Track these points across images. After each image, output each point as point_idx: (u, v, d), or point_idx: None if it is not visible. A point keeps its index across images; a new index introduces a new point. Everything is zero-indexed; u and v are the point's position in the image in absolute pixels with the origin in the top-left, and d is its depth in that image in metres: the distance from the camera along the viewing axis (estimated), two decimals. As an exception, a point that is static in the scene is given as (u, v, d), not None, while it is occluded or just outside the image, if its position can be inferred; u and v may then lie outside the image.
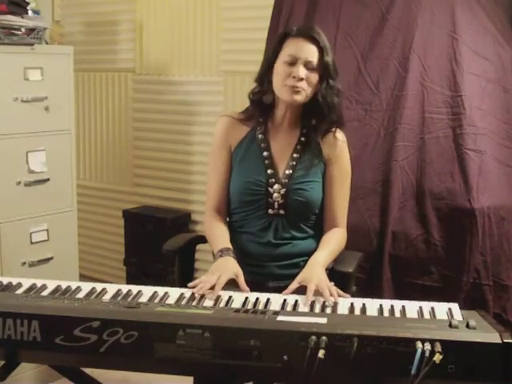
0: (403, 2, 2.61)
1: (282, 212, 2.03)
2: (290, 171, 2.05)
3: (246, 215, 2.07)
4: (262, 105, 2.08)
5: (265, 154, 2.07)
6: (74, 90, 3.07)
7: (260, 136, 2.09)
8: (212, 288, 1.77)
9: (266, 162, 2.06)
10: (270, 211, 2.04)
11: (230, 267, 1.88)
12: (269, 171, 2.05)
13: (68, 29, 3.94)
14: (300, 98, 1.99)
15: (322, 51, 1.98)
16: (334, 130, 2.08)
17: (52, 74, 2.87)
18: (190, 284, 1.81)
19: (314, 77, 1.98)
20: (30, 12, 2.88)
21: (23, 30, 2.78)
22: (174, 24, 3.54)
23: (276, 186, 2.03)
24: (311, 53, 1.97)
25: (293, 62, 1.97)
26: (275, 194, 2.03)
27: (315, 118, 2.05)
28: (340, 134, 2.10)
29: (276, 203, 2.03)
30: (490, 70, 2.55)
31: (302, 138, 2.08)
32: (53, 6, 3.93)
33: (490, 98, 2.54)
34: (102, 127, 3.93)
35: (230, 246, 1.99)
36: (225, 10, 3.36)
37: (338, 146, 2.08)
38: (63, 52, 2.96)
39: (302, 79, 1.95)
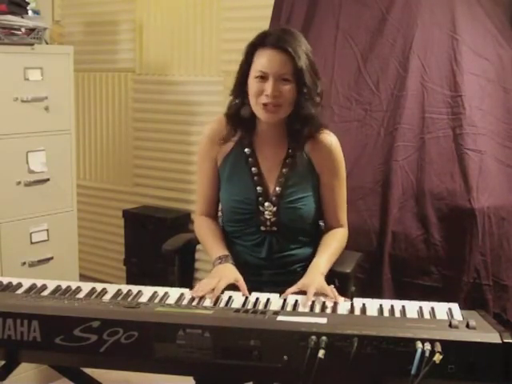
0: (403, 2, 2.61)
1: (274, 229, 1.99)
2: (280, 188, 1.98)
3: (239, 230, 2.04)
4: (241, 119, 1.97)
5: (253, 169, 1.99)
6: (74, 90, 3.07)
7: (247, 150, 2.00)
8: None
9: (255, 178, 1.99)
10: (263, 228, 1.99)
11: (230, 273, 1.87)
12: (258, 188, 1.98)
13: (68, 29, 3.94)
14: (276, 116, 1.90)
15: (293, 59, 1.85)
16: (320, 134, 1.99)
17: (52, 74, 2.87)
18: (191, 292, 1.78)
19: (290, 88, 1.87)
20: (30, 12, 2.88)
21: (23, 29, 2.78)
22: (174, 24, 3.54)
23: (267, 204, 1.97)
24: (282, 64, 1.85)
25: (264, 77, 1.86)
26: (266, 212, 1.97)
27: (295, 127, 1.94)
28: (331, 138, 2.01)
29: (268, 221, 1.98)
30: (490, 70, 2.55)
31: (291, 150, 1.99)
32: (53, 5, 3.92)
33: (490, 98, 2.54)
34: (102, 127, 3.93)
35: (227, 252, 1.97)
36: (225, 10, 3.36)
37: (331, 153, 1.99)
38: (63, 52, 2.96)
39: (275, 96, 1.85)
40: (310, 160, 1.99)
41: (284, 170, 1.99)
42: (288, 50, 1.85)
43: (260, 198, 1.98)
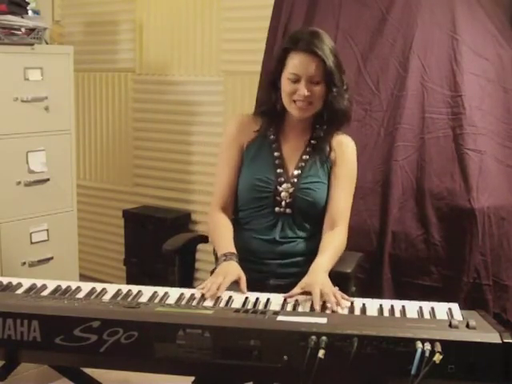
0: (403, 2, 2.60)
1: (288, 211, 2.07)
2: (299, 171, 2.10)
3: (253, 212, 2.10)
4: (271, 114, 2.12)
5: (275, 153, 2.12)
6: (74, 90, 3.07)
7: (272, 137, 2.14)
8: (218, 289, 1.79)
9: (277, 161, 2.11)
10: (277, 209, 2.08)
11: (234, 270, 1.90)
12: (278, 170, 2.10)
13: (68, 29, 3.94)
14: (308, 114, 2.06)
15: (324, 62, 2.00)
16: (341, 132, 2.14)
17: (52, 74, 2.87)
18: (199, 287, 1.81)
19: (320, 89, 2.02)
20: (30, 12, 2.88)
21: (23, 29, 2.79)
22: (173, 24, 3.55)
23: (285, 185, 2.08)
24: (313, 67, 2.00)
25: (296, 80, 2.01)
26: (283, 193, 2.07)
27: (326, 121, 2.09)
28: (351, 142, 2.15)
29: (284, 202, 2.07)
30: (490, 70, 2.55)
31: (313, 141, 2.12)
32: (53, 5, 3.93)
33: (490, 98, 2.53)
34: (102, 127, 3.93)
35: (233, 250, 2.00)
36: (225, 10, 3.36)
37: (348, 150, 2.13)
38: (63, 52, 2.96)
39: (307, 96, 2.00)
40: (329, 151, 2.11)
41: (304, 157, 2.12)
42: (318, 54, 2.00)
43: (279, 179, 2.09)
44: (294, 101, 2.03)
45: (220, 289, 1.78)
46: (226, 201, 2.15)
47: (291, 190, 2.07)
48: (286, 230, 2.08)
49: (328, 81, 2.02)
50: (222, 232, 2.09)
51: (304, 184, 2.08)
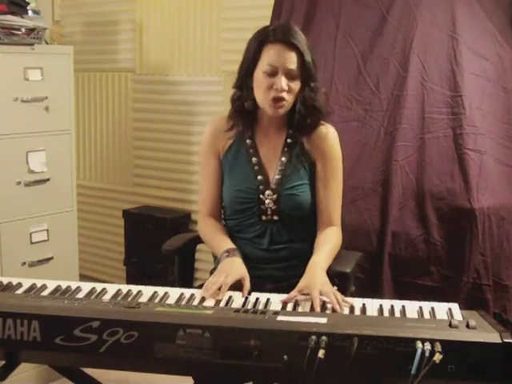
0: (403, 2, 2.61)
1: (275, 218, 2.02)
2: (280, 176, 2.02)
3: (241, 222, 2.06)
4: (244, 111, 2.02)
5: (253, 159, 2.04)
6: (74, 90, 3.07)
7: (248, 141, 2.06)
8: (219, 289, 1.76)
9: (256, 168, 2.04)
10: (264, 218, 2.02)
11: (237, 269, 1.87)
12: (259, 177, 2.03)
13: (68, 29, 3.94)
14: (283, 111, 1.96)
15: (301, 55, 1.92)
16: (321, 124, 2.05)
17: (52, 74, 2.87)
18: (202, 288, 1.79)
19: (296, 85, 1.94)
20: (29, 12, 2.88)
21: (23, 29, 2.79)
22: (173, 24, 3.54)
23: (267, 193, 2.01)
24: (291, 60, 1.92)
25: (273, 73, 1.91)
26: (267, 201, 2.01)
27: (301, 118, 1.99)
28: (330, 129, 2.06)
29: (269, 209, 2.01)
30: (490, 70, 2.55)
31: (289, 140, 2.04)
32: (53, 5, 3.92)
33: (489, 98, 2.54)
34: (102, 127, 3.93)
35: (234, 246, 1.98)
36: (225, 10, 3.36)
37: (328, 141, 2.04)
38: (63, 52, 2.97)
39: (284, 90, 1.91)
40: (307, 148, 2.03)
41: (283, 159, 2.04)
42: (296, 46, 1.92)
43: (261, 187, 2.02)
44: (272, 98, 1.92)
45: (221, 290, 1.75)
46: (213, 208, 2.11)
47: (275, 197, 2.00)
48: (275, 236, 2.02)
49: (305, 75, 1.94)
50: (217, 234, 2.05)
51: (287, 190, 2.00)
